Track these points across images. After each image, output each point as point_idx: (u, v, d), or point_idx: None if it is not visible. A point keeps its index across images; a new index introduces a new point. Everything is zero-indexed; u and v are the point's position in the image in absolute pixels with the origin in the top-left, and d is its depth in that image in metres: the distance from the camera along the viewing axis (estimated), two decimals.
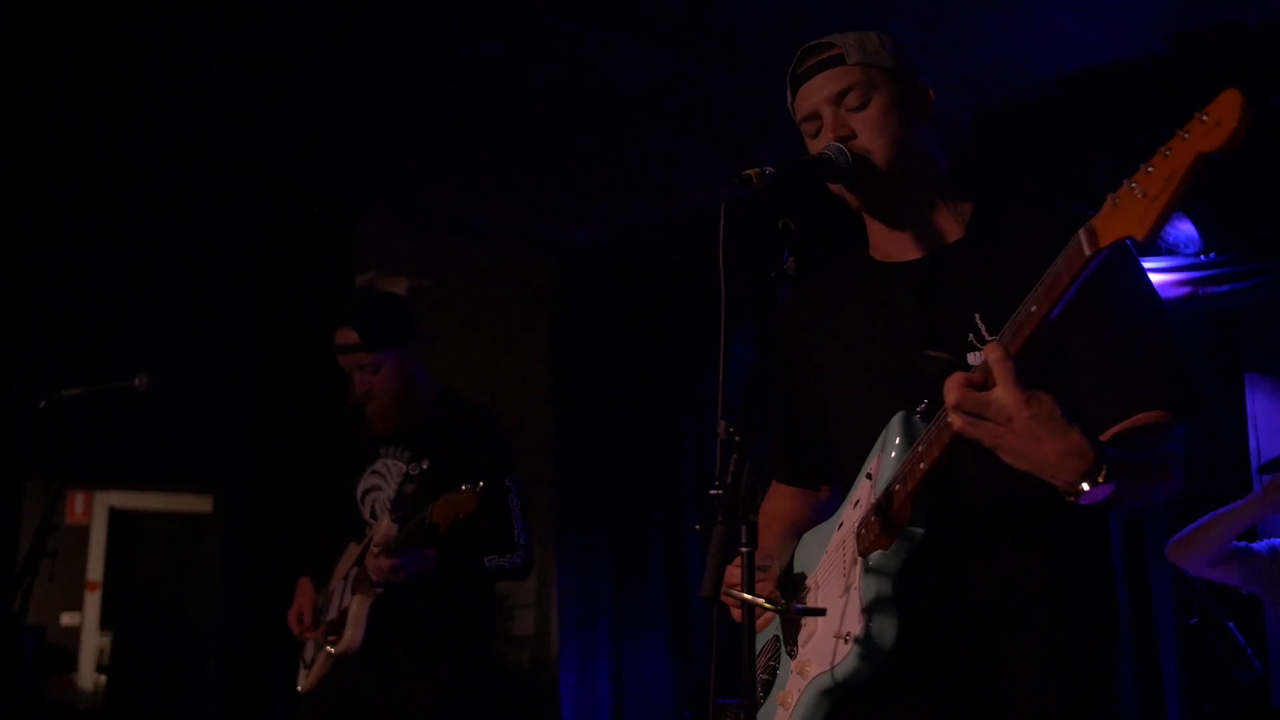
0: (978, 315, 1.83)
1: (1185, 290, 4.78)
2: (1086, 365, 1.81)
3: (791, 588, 1.98)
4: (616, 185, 5.85)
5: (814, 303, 2.15)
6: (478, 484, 3.32)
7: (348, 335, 3.75)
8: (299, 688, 3.81)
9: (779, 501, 2.22)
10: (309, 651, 3.83)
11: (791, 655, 1.93)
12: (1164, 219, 1.51)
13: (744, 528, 1.63)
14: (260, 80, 4.78)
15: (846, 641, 1.76)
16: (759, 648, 2.04)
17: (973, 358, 1.83)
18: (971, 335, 1.84)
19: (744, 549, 1.63)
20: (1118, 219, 1.52)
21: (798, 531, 2.09)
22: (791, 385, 2.17)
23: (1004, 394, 1.54)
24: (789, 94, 2.04)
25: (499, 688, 5.87)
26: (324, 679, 3.70)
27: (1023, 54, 4.61)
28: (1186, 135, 1.48)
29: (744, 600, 1.63)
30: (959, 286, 1.88)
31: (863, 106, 1.94)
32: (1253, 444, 4.67)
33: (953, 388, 1.58)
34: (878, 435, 1.86)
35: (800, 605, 1.92)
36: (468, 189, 5.87)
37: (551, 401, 6.39)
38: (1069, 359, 1.83)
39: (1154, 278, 4.76)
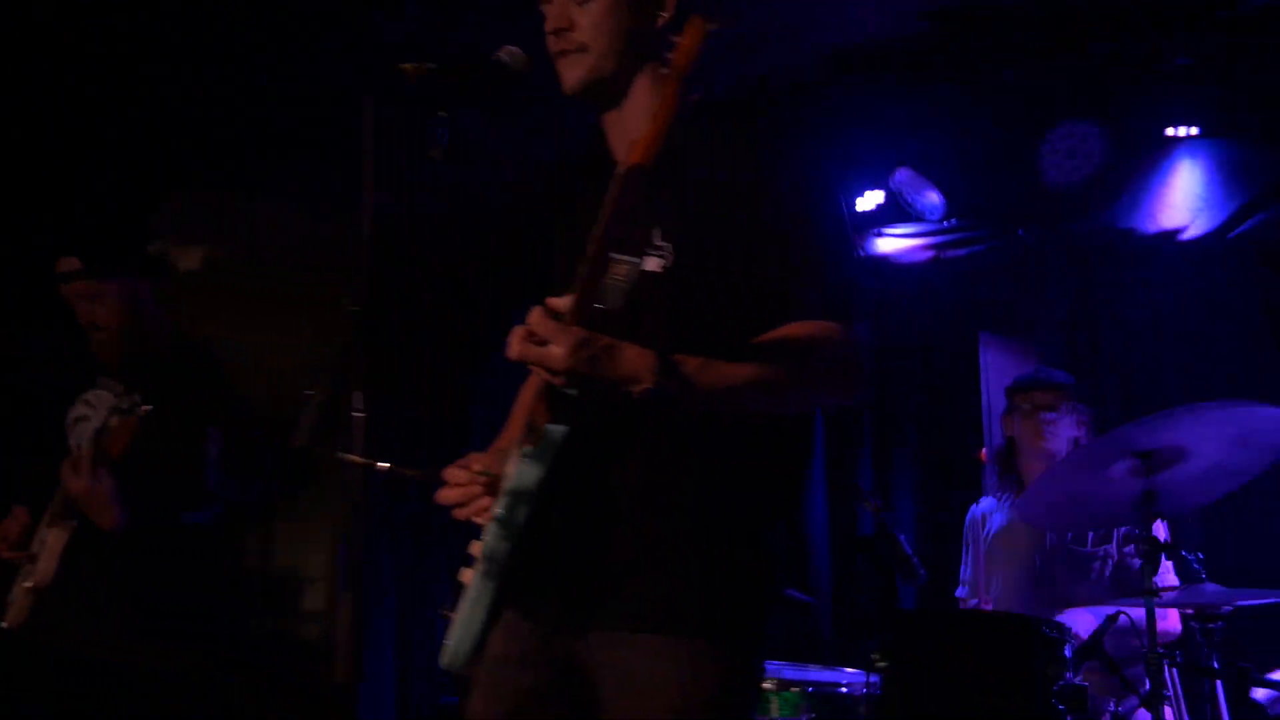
0: (656, 228, 1.84)
1: (929, 254, 5.12)
2: (751, 273, 1.84)
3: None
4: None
5: (563, 185, 2.14)
6: (143, 408, 3.23)
7: (69, 262, 3.57)
8: (3, 623, 3.62)
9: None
10: (13, 586, 3.65)
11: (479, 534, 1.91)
12: (657, 145, 1.64)
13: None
14: None
15: (486, 530, 1.81)
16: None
17: (649, 267, 1.83)
18: (647, 245, 1.83)
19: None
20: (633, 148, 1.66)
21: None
22: (535, 260, 2.18)
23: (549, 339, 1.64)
24: None
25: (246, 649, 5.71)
26: (30, 616, 3.53)
27: (786, 25, 4.77)
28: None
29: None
30: (647, 196, 1.73)
31: (593, 8, 1.91)
32: (984, 397, 5.06)
33: (517, 337, 1.67)
34: None
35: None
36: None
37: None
38: (745, 261, 1.84)
39: (901, 243, 5.16)
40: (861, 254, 5.24)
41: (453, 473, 1.99)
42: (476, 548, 1.90)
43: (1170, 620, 3.83)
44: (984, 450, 4.62)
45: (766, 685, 3.68)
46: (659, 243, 1.80)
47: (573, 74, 1.93)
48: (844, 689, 3.48)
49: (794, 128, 1.91)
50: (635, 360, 1.68)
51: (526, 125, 4.99)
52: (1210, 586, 3.25)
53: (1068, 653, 2.97)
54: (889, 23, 4.78)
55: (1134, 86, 4.49)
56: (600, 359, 1.67)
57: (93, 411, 3.63)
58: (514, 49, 2.01)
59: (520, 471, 1.79)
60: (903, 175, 5.05)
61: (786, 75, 5.12)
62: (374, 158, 1.84)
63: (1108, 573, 3.86)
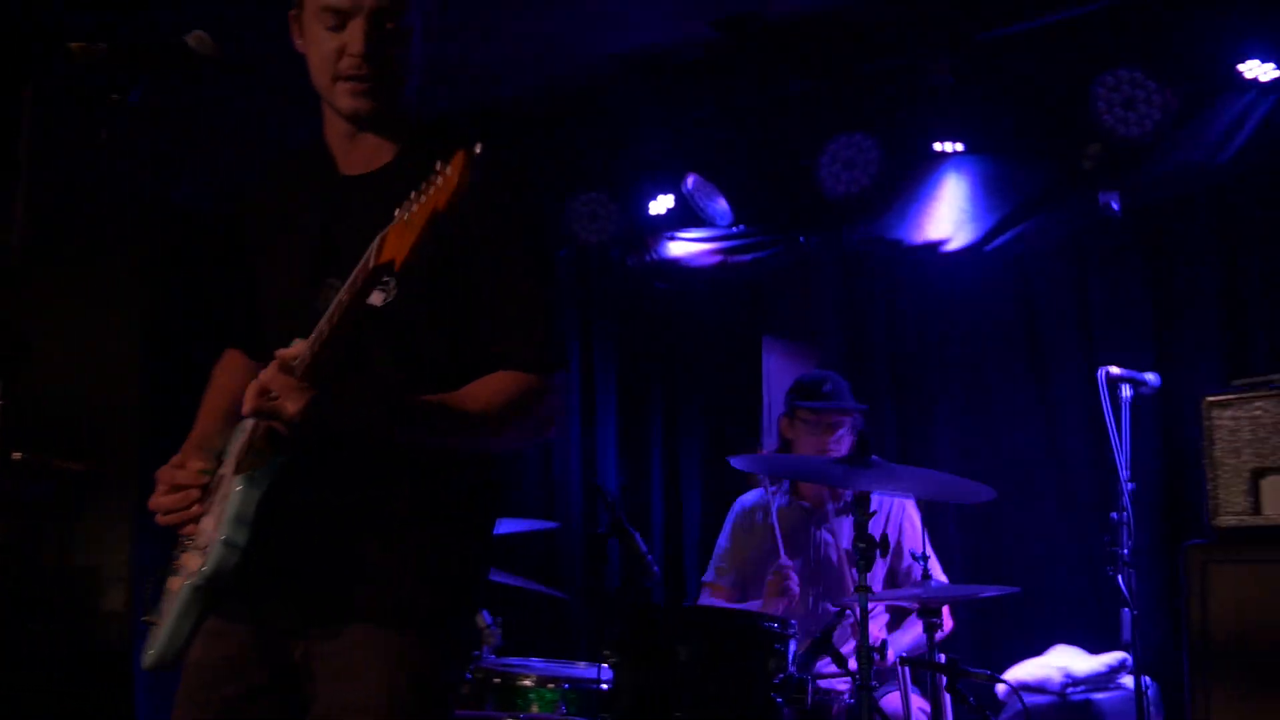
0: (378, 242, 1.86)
1: (717, 259, 5.23)
2: (473, 322, 1.99)
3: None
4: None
5: (275, 183, 2.17)
6: None
7: None
8: None
9: (231, 374, 2.21)
10: None
11: (185, 548, 2.00)
12: (411, 256, 1.68)
13: None
14: None
15: (204, 554, 1.90)
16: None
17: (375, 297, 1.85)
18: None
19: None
20: (389, 244, 1.70)
21: (223, 415, 2.13)
22: (238, 259, 2.17)
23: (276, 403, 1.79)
24: None
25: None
26: None
27: (575, 31, 4.83)
28: (428, 189, 1.68)
29: None
30: (379, 210, 1.79)
31: (393, 34, 1.96)
32: (765, 399, 5.19)
33: (251, 393, 1.79)
34: (287, 343, 1.88)
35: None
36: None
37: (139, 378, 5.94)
38: (465, 305, 1.98)
39: (691, 247, 5.26)
40: (652, 257, 5.34)
41: (169, 474, 2.02)
42: (189, 560, 1.97)
43: (942, 616, 4.03)
44: (762, 450, 4.76)
45: (526, 682, 3.74)
46: (385, 277, 1.82)
47: (365, 103, 1.99)
48: (605, 686, 3.54)
49: (521, 180, 2.05)
50: (367, 411, 1.87)
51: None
52: (934, 583, 3.41)
53: (792, 646, 3.07)
54: (679, 31, 4.89)
55: (905, 103, 4.67)
56: (333, 413, 1.83)
57: None
58: (203, 34, 2.00)
59: (243, 495, 1.91)
60: (693, 181, 5.15)
61: (579, 80, 5.20)
62: (33, 141, 1.80)
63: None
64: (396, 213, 1.69)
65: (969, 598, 3.83)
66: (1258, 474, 3.02)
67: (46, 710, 5.03)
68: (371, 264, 1.71)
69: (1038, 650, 4.27)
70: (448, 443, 1.98)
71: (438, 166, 1.67)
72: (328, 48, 1.96)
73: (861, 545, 2.98)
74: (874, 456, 3.06)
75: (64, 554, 5.44)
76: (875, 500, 4.09)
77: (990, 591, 3.54)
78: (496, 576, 4.11)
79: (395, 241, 1.68)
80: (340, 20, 1.94)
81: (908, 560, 4.05)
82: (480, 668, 3.81)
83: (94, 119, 1.89)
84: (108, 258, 5.42)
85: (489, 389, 1.97)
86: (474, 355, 2.00)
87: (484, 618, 4.03)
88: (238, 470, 1.91)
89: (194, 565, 1.93)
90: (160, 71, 1.97)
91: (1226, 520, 3.05)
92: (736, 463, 3.39)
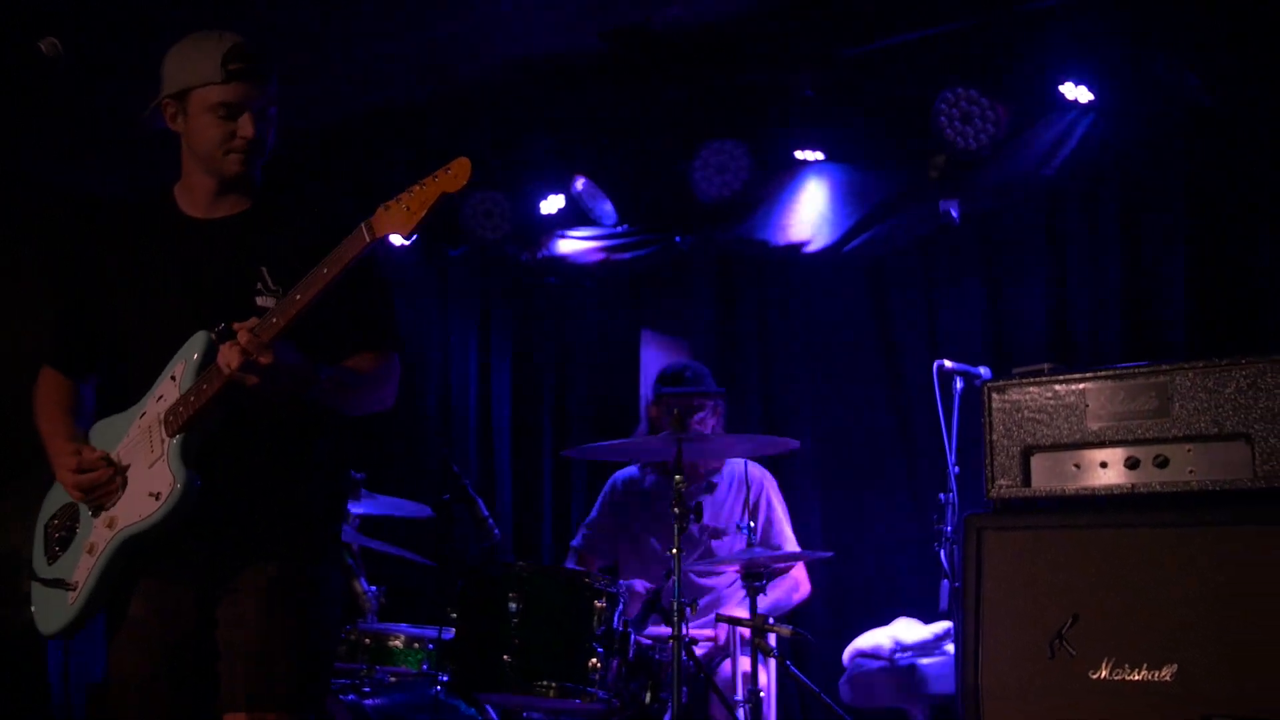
0: (264, 269, 2.50)
1: (601, 256, 5.55)
2: (338, 316, 2.53)
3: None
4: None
5: (116, 229, 2.64)
6: None
7: None
8: None
9: (58, 389, 2.69)
10: None
11: (95, 515, 2.49)
12: (419, 226, 2.29)
13: None
14: None
15: (157, 499, 2.39)
16: (51, 513, 2.60)
17: (261, 301, 2.49)
18: (259, 283, 2.50)
19: None
20: (389, 220, 2.29)
21: (73, 416, 2.61)
22: (80, 294, 2.66)
23: (253, 358, 2.28)
24: (205, 69, 2.47)
25: None
26: None
27: (471, 37, 5.12)
28: (436, 178, 2.28)
29: None
30: (249, 245, 2.53)
31: (268, 120, 2.54)
32: (642, 389, 5.52)
33: (232, 352, 2.28)
34: (173, 349, 2.47)
35: None
36: None
37: None
38: (331, 309, 2.48)
39: (578, 245, 5.57)
40: (544, 254, 5.65)
41: (71, 461, 2.47)
42: (102, 525, 2.45)
43: (800, 583, 4.39)
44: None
45: (395, 643, 4.04)
46: (271, 285, 2.42)
47: (246, 169, 2.55)
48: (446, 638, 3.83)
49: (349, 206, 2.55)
50: (304, 368, 2.38)
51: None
52: (758, 550, 3.75)
53: (619, 604, 3.40)
54: (570, 40, 5.19)
55: (772, 112, 5.01)
56: (287, 369, 2.34)
57: None
58: (54, 40, 2.31)
59: (180, 449, 2.39)
60: (581, 183, 5.46)
61: (474, 84, 5.49)
62: None
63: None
64: (388, 203, 2.27)
65: (782, 561, 4.18)
66: (1028, 451, 3.36)
67: None
68: (369, 239, 2.26)
69: (887, 621, 4.64)
70: (340, 400, 2.52)
71: (443, 168, 2.27)
72: (217, 133, 2.50)
73: (676, 510, 3.31)
74: (690, 430, 3.39)
75: None
76: (732, 479, 4.45)
77: (809, 556, 3.88)
78: (378, 547, 4.41)
79: (390, 221, 2.25)
80: (231, 112, 2.49)
81: (775, 536, 4.41)
82: (356, 629, 4.12)
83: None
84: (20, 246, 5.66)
85: (363, 363, 2.56)
86: (337, 339, 2.55)
87: (363, 585, 4.33)
88: (170, 433, 2.40)
89: (122, 521, 2.43)
90: (11, 71, 2.25)
91: (1001, 491, 3.39)
92: (572, 454, 3.72)
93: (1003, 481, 3.39)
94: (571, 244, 5.61)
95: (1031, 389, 3.37)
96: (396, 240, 3.29)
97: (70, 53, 2.44)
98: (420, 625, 4.18)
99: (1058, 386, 3.31)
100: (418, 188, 2.28)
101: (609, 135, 5.40)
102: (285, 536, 2.49)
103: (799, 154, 4.98)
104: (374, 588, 4.34)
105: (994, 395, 3.46)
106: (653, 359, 5.49)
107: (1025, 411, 3.38)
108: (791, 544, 4.47)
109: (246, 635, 2.43)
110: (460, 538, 3.68)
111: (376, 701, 3.58)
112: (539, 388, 5.91)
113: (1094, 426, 3.23)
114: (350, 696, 3.56)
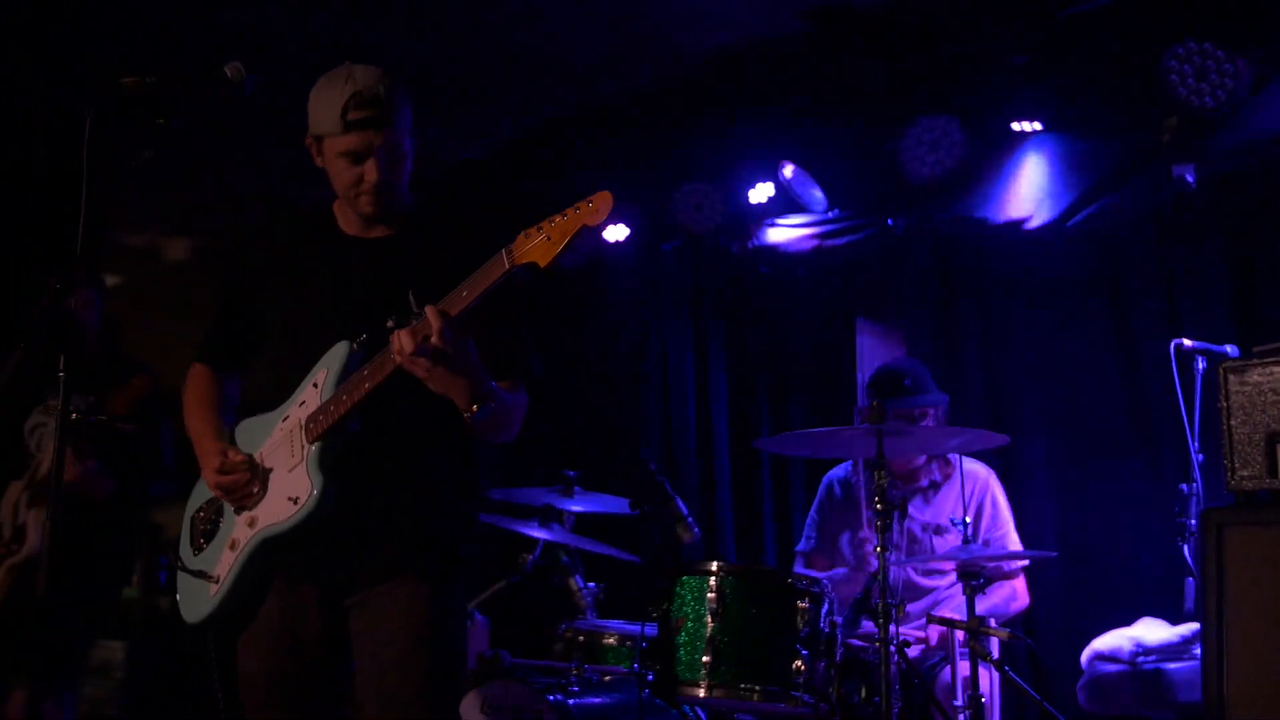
0: (410, 291, 2.45)
1: (812, 243, 5.40)
2: (481, 341, 2.47)
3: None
4: None
5: (278, 240, 2.73)
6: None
7: (74, 271, 4.15)
8: None
9: (206, 385, 2.78)
10: None
11: (238, 512, 2.58)
12: (560, 258, 2.27)
13: None
14: None
15: (295, 504, 2.46)
16: (198, 505, 2.70)
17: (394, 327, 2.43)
18: (406, 304, 2.44)
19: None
20: (529, 248, 2.28)
21: (220, 413, 2.71)
22: (237, 295, 2.75)
23: (439, 342, 2.28)
24: (329, 118, 2.52)
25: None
26: (4, 594, 4.06)
27: (671, 28, 5.08)
28: (577, 210, 2.27)
29: None
30: (398, 266, 2.59)
31: (396, 159, 2.58)
32: (860, 379, 5.34)
33: (406, 336, 2.31)
34: (317, 357, 2.54)
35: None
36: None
37: None
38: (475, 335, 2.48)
39: (789, 233, 5.45)
40: (754, 243, 5.55)
41: (234, 460, 2.56)
42: (243, 523, 2.53)
43: (1019, 593, 4.15)
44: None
45: (609, 640, 4.04)
46: (415, 308, 2.40)
47: (378, 210, 2.62)
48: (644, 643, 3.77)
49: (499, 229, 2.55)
50: (477, 368, 2.40)
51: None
52: (975, 548, 3.54)
53: (824, 606, 3.28)
54: (771, 24, 5.07)
55: (984, 83, 4.75)
56: (463, 361, 2.35)
57: (49, 420, 4.16)
58: (237, 64, 2.40)
59: (313, 461, 2.46)
60: (790, 170, 5.34)
61: (678, 76, 5.44)
62: (90, 169, 2.19)
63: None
64: (528, 230, 2.28)
65: (1003, 560, 3.94)
66: (1273, 438, 3.06)
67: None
68: (508, 265, 2.27)
69: (1128, 622, 4.31)
70: (492, 422, 2.50)
71: (585, 200, 2.25)
72: (348, 177, 2.57)
73: (879, 507, 3.16)
74: (888, 422, 3.22)
75: None
76: (961, 478, 4.22)
77: (1031, 555, 3.65)
78: (586, 545, 4.43)
79: (530, 249, 2.25)
80: (356, 159, 2.54)
81: (997, 535, 4.16)
82: (571, 627, 4.14)
83: (141, 141, 2.28)
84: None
85: (502, 389, 2.53)
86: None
87: (579, 582, 4.35)
88: (310, 439, 2.48)
89: (262, 521, 2.50)
90: (200, 97, 2.35)
91: (1242, 483, 3.10)
92: (762, 444, 3.61)
93: (1244, 473, 3.09)
94: (782, 232, 5.49)
95: (1276, 369, 3.07)
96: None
97: (263, 73, 2.51)
98: (635, 622, 4.16)
99: None
100: (559, 218, 2.27)
101: (815, 119, 5.25)
102: (415, 549, 2.54)
103: (1015, 126, 4.70)
104: (592, 585, 4.35)
105: (1231, 377, 3.17)
106: (868, 346, 5.30)
107: (1270, 395, 3.07)
108: (1014, 545, 4.21)
109: (375, 648, 2.48)
110: (660, 537, 3.64)
111: (582, 701, 3.58)
112: (755, 380, 5.80)
113: None
114: (556, 696, 3.57)
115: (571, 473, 4.46)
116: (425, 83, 2.65)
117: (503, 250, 2.30)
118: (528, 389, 2.64)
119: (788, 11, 4.96)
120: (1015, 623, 4.19)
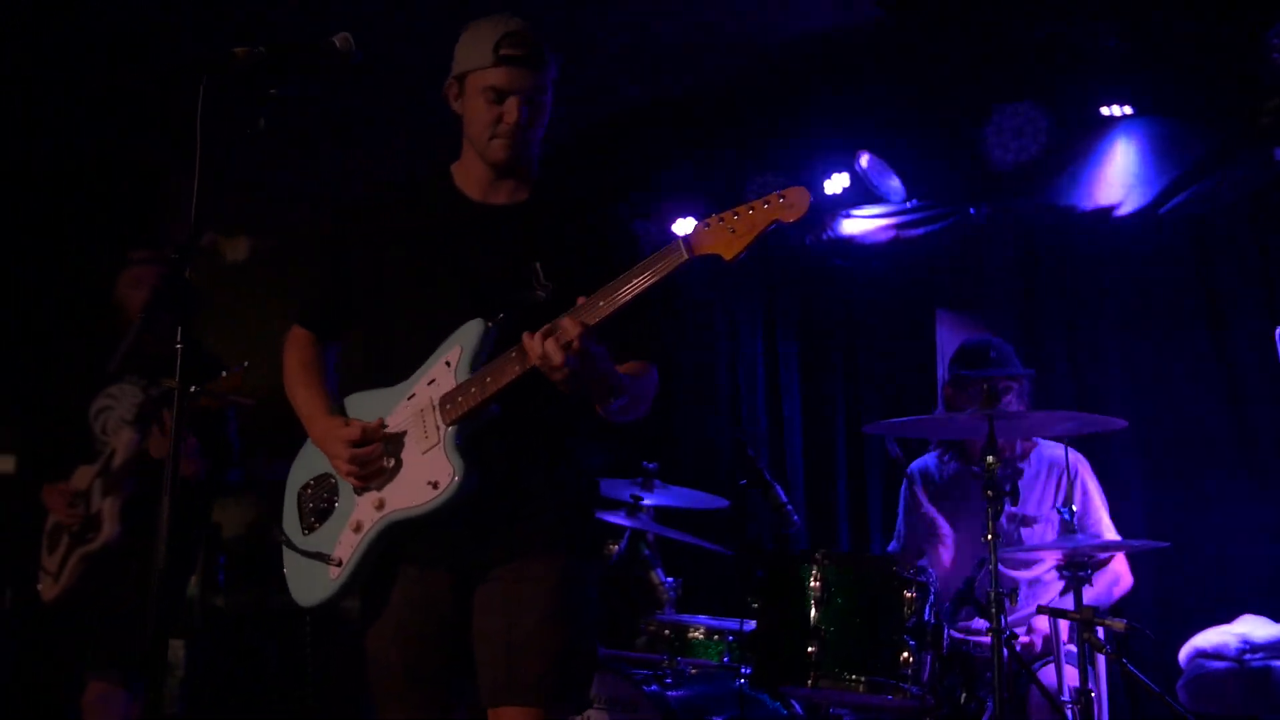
0: (538, 264, 2.46)
1: (891, 234, 5.30)
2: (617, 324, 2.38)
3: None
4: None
5: (394, 205, 2.64)
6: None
7: (142, 250, 4.20)
8: (45, 596, 4.09)
9: (310, 351, 2.71)
10: (53, 560, 4.10)
11: (359, 492, 2.49)
12: (745, 253, 2.23)
13: None
14: None
15: (435, 488, 2.37)
16: (304, 480, 2.61)
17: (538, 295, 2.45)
18: (534, 278, 2.47)
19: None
20: (711, 240, 2.23)
21: (328, 382, 2.67)
22: (350, 258, 2.63)
23: (582, 348, 2.25)
24: (479, 53, 2.48)
25: None
26: (75, 583, 4.01)
27: (746, 17, 5.01)
28: (767, 204, 2.20)
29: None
30: (526, 237, 2.52)
31: (537, 106, 2.52)
32: (939, 372, 5.23)
33: (553, 347, 2.24)
34: (441, 330, 2.44)
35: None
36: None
37: None
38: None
39: (866, 224, 5.35)
40: (829, 235, 5.45)
41: (345, 434, 2.48)
42: (367, 504, 2.45)
43: (1121, 575, 4.02)
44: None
45: (695, 634, 3.97)
46: (543, 280, 2.39)
47: (512, 155, 2.53)
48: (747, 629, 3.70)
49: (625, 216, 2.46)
50: (615, 375, 2.38)
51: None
52: (1081, 537, 3.43)
53: (929, 595, 3.18)
54: (847, 11, 4.99)
55: (1071, 68, 4.64)
56: (598, 365, 2.32)
57: (116, 403, 4.12)
58: (346, 35, 2.36)
59: (452, 443, 2.38)
60: (866, 159, 5.24)
61: (753, 65, 5.37)
62: (203, 137, 2.16)
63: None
64: (709, 220, 2.24)
65: (1109, 550, 3.81)
66: None
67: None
68: (687, 255, 2.22)
69: (1226, 619, 4.18)
70: (624, 408, 2.46)
71: (778, 194, 2.20)
72: (488, 115, 2.50)
73: (990, 493, 3.06)
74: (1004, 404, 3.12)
75: None
76: (1042, 464, 4.11)
77: (1142, 546, 3.53)
78: (675, 536, 4.36)
79: (712, 241, 2.21)
80: (499, 97, 2.49)
81: (1092, 524, 4.04)
82: (655, 621, 4.07)
83: (254, 111, 2.24)
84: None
85: (634, 370, 2.51)
86: (614, 346, 2.45)
87: (660, 576, 4.28)
88: (448, 421, 2.39)
89: (393, 504, 2.43)
90: (310, 69, 2.30)
91: None
92: (871, 429, 3.53)
93: None
94: (858, 224, 5.39)
95: None
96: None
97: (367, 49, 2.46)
98: (719, 617, 4.09)
99: None
100: (746, 210, 2.21)
101: (893, 107, 5.16)
102: (550, 531, 2.47)
103: (1104, 110, 4.59)
104: (671, 579, 4.28)
105: None
106: (948, 340, 5.18)
107: None
108: (1110, 532, 4.08)
109: (508, 627, 2.40)
110: (758, 525, 3.56)
111: (680, 693, 3.51)
112: (829, 376, 5.70)
113: None
114: (654, 688, 3.49)
115: (650, 465, 4.39)
116: None
117: (679, 240, 2.24)
118: (658, 364, 2.58)
119: None
120: (1119, 607, 4.07)
